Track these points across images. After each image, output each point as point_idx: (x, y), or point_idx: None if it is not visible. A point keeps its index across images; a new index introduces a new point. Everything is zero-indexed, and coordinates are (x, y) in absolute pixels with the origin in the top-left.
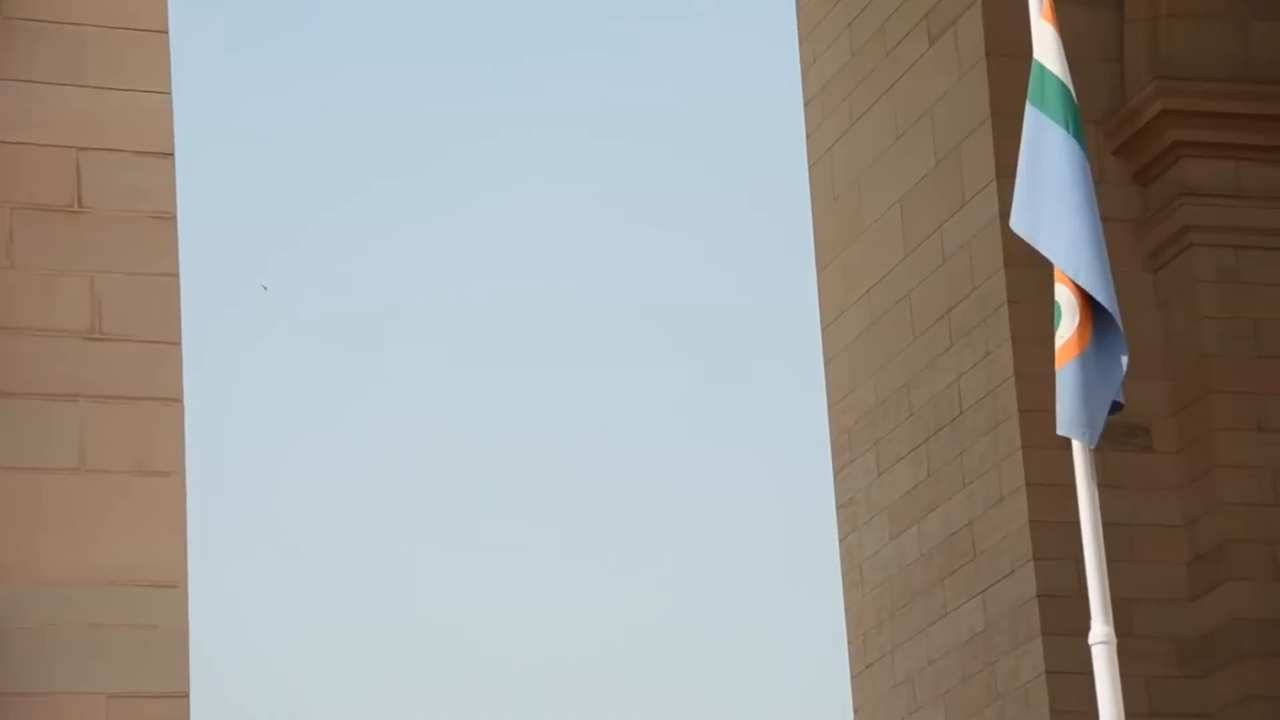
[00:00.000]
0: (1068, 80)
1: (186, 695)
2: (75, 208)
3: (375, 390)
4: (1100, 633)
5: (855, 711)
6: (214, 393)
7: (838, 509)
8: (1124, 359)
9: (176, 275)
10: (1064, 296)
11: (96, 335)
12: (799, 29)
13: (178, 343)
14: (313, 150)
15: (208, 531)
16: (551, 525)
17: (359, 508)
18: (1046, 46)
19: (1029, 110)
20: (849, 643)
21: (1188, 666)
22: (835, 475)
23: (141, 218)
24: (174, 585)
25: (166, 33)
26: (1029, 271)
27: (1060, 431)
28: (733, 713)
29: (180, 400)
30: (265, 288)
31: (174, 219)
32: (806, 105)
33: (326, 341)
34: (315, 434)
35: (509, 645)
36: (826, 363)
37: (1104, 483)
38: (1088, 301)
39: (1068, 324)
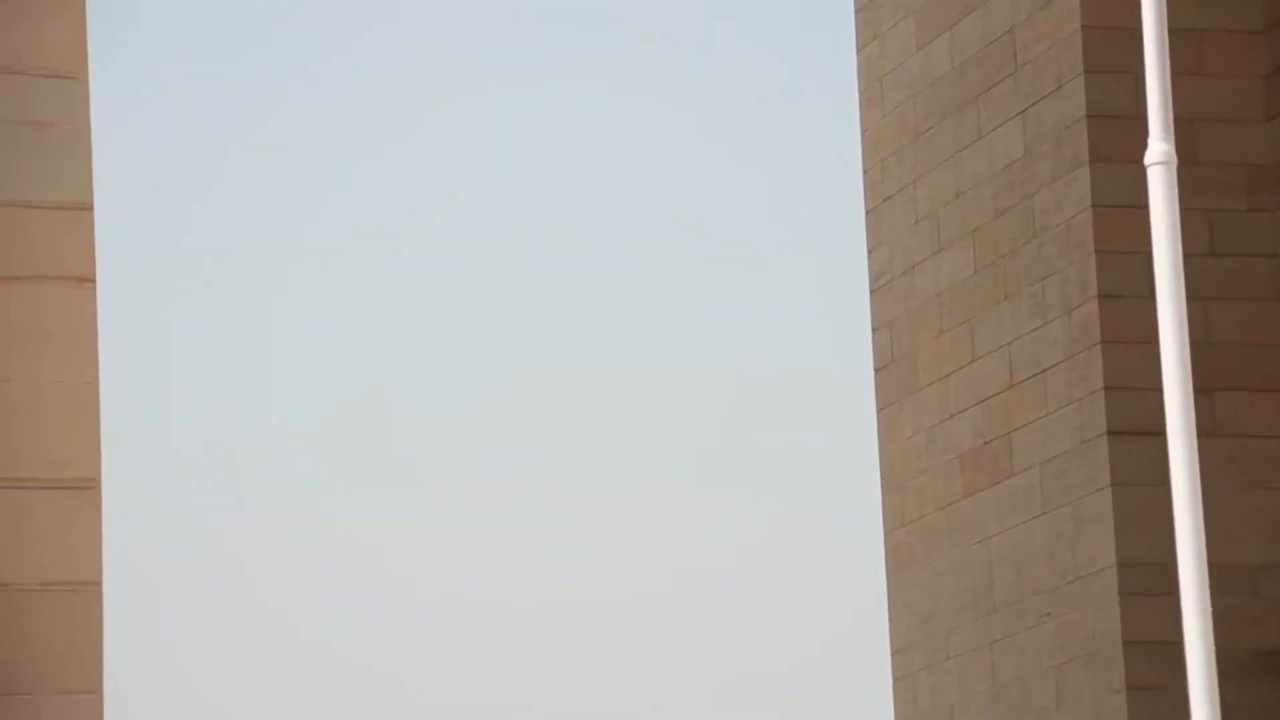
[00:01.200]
0: None
1: (90, 207)
2: None
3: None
4: (1159, 151)
5: (870, 252)
6: None
7: (856, 11)
8: None
9: None
10: None
11: None
12: None
13: None
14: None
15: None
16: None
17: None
18: None
19: None
20: (864, 172)
21: (1258, 198)
22: None
23: None
24: (73, 76)
25: None
26: None
27: None
28: (741, 262)
29: None
30: None
31: None
32: None
33: None
34: None
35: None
36: None
37: None
38: None
39: None
